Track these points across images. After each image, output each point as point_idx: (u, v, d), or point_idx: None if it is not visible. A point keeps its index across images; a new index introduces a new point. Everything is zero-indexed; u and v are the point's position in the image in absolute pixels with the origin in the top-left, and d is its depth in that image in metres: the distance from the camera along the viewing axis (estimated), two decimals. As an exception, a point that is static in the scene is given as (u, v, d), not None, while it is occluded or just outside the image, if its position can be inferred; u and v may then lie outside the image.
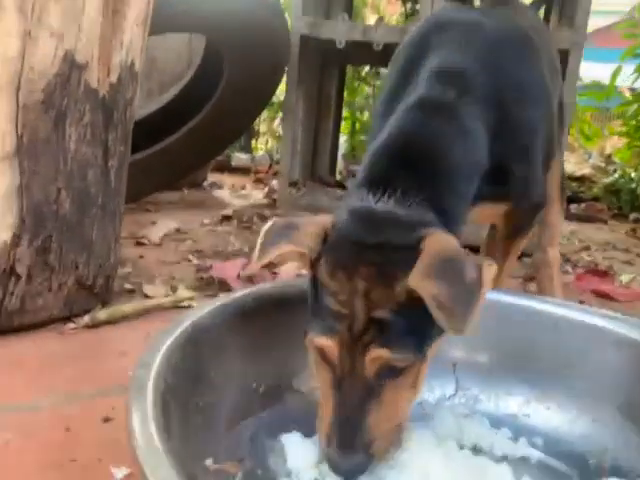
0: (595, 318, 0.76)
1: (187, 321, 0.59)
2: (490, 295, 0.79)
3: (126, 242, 1.66)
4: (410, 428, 0.67)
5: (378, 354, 0.53)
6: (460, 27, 0.83)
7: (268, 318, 0.71)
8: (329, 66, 2.46)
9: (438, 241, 0.55)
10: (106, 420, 0.72)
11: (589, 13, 1.68)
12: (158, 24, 1.55)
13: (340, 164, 3.28)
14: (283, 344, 0.72)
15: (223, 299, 0.67)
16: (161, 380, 0.47)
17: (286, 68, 2.03)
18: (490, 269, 0.53)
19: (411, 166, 0.65)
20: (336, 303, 0.54)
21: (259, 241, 0.58)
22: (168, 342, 0.54)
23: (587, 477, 0.66)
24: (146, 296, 1.20)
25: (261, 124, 4.96)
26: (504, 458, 0.69)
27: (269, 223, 0.60)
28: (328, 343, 0.54)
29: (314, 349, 0.56)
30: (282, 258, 0.57)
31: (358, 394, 0.54)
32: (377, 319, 0.53)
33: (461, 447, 0.69)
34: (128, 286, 1.25)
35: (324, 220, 0.59)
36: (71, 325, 1.01)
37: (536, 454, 0.70)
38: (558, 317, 0.77)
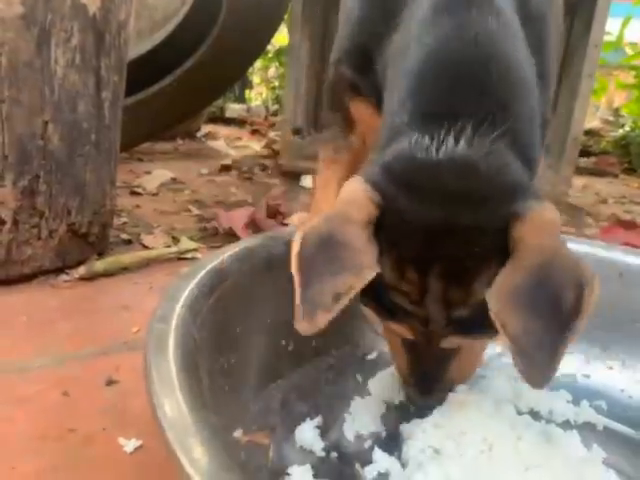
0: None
1: (207, 266, 0.48)
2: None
3: (120, 191, 1.54)
4: (466, 392, 0.59)
5: (455, 341, 0.48)
6: None
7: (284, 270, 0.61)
8: (336, 2, 2.29)
9: (536, 231, 0.41)
10: (109, 383, 0.63)
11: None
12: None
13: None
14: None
15: (248, 241, 0.56)
16: (187, 337, 0.36)
17: (290, 5, 1.87)
18: (594, 290, 0.39)
19: (480, 90, 0.46)
20: (409, 304, 0.44)
21: (295, 270, 0.41)
22: (187, 291, 0.43)
23: (661, 445, 0.58)
24: (145, 247, 1.09)
25: (255, 74, 4.75)
26: (566, 424, 0.61)
27: (296, 241, 0.42)
28: (403, 331, 0.48)
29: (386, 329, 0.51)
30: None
31: (435, 360, 0.50)
32: (456, 318, 0.45)
33: (519, 412, 0.60)
34: (125, 236, 1.14)
35: (361, 206, 0.42)
36: (64, 277, 0.90)
37: (602, 420, 0.61)
38: (624, 266, 0.68)
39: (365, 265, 0.40)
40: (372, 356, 0.67)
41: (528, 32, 0.57)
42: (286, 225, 1.26)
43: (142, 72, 2.08)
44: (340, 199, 0.44)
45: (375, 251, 0.42)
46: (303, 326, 0.39)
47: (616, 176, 2.80)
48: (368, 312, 0.49)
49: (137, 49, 2.14)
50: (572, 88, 1.71)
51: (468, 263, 0.42)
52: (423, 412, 0.53)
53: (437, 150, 0.42)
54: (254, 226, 1.19)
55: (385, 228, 0.42)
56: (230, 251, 0.53)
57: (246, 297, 0.52)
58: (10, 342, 0.70)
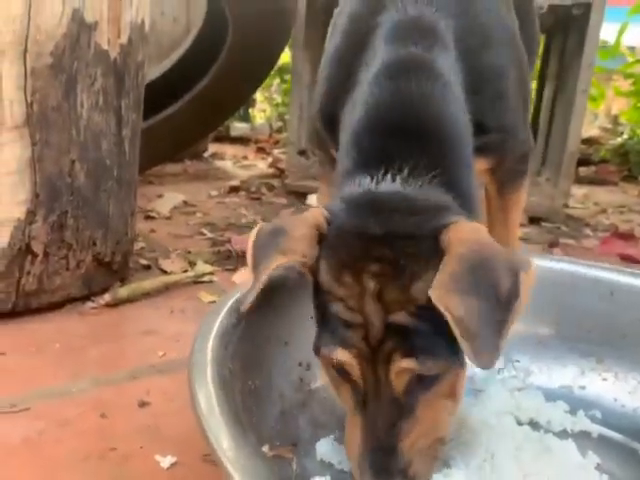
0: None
1: (233, 298, 0.54)
2: (544, 261, 0.76)
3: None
4: (469, 405, 0.64)
5: (403, 366, 0.44)
6: None
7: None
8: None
9: (464, 234, 0.45)
10: (142, 405, 0.68)
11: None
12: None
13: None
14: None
15: (264, 274, 0.62)
16: (223, 366, 0.42)
17: (292, 31, 1.94)
18: (530, 274, 0.44)
19: (411, 137, 0.54)
20: (346, 310, 0.45)
21: (249, 255, 0.50)
22: (217, 324, 0.49)
23: (654, 451, 0.63)
24: (163, 271, 1.15)
25: (258, 92, 4.84)
26: (564, 433, 0.66)
27: (253, 231, 0.51)
28: (345, 357, 0.45)
29: (328, 366, 0.48)
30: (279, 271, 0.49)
31: (388, 414, 0.45)
32: (395, 325, 0.44)
33: (519, 422, 0.65)
34: (144, 262, 1.20)
35: (314, 215, 0.49)
36: (90, 304, 0.96)
37: (596, 428, 0.66)
38: (615, 285, 0.73)
39: (296, 250, 0.46)
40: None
41: (484, 89, 0.67)
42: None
43: (151, 98, 2.15)
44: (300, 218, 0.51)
45: (313, 248, 0.47)
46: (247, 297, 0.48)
47: (616, 184, 2.85)
48: (325, 377, 0.52)
49: (147, 75, 2.22)
50: (567, 104, 1.77)
51: (402, 263, 0.45)
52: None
53: (377, 185, 0.50)
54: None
55: (327, 238, 0.48)
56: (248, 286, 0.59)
57: (266, 324, 0.58)
58: (48, 368, 0.76)
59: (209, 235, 1.43)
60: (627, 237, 1.56)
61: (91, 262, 0.95)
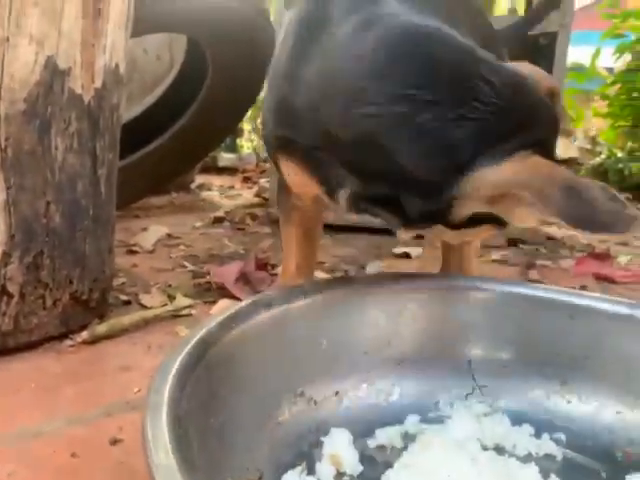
0: (611, 305, 0.75)
1: (196, 337, 0.56)
2: (503, 287, 0.78)
3: (118, 251, 1.61)
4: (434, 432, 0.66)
5: None
6: None
7: (278, 329, 0.68)
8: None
9: None
10: (114, 442, 0.69)
11: (576, -5, 1.67)
12: (140, 25, 1.51)
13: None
14: (296, 353, 0.70)
15: (232, 309, 0.64)
16: (177, 406, 0.44)
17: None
18: None
19: None
20: None
21: None
22: (177, 362, 0.51)
23: (615, 472, 0.65)
24: (143, 306, 1.17)
25: (245, 122, 4.91)
26: (529, 457, 0.67)
27: None
28: None
29: None
30: None
31: None
32: None
33: (484, 448, 0.67)
34: (124, 297, 1.21)
35: None
36: (68, 342, 0.97)
37: (560, 451, 0.68)
38: (573, 306, 0.76)
39: None
40: (351, 405, 0.74)
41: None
42: (275, 275, 1.34)
43: (135, 134, 2.19)
44: None
45: None
46: None
47: (596, 203, 2.89)
48: None
49: (129, 112, 2.26)
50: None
51: None
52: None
53: None
54: (245, 279, 1.26)
55: None
56: (216, 320, 0.61)
57: (231, 360, 0.60)
58: (22, 409, 0.77)
59: (190, 268, 1.45)
60: (602, 257, 1.59)
61: (68, 301, 0.97)
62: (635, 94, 3.40)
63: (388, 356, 0.76)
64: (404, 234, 0.70)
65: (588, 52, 4.43)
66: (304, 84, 0.66)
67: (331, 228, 1.97)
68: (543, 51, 1.85)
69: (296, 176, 0.76)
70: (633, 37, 3.61)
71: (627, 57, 3.68)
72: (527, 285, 0.80)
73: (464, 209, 0.59)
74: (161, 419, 0.42)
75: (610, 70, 4.30)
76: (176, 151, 2.12)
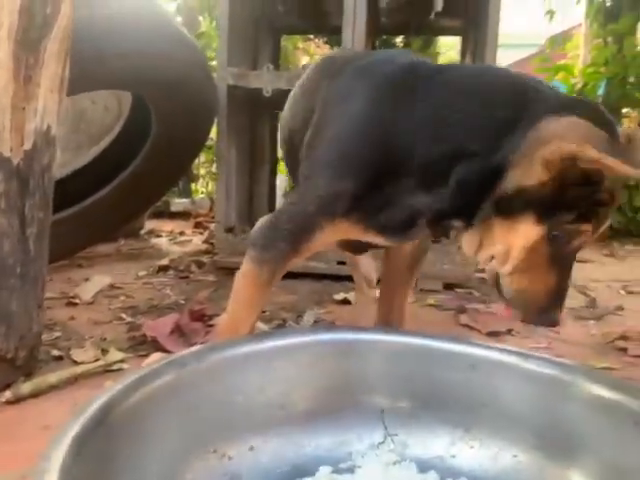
0: (508, 356, 0.80)
1: (97, 402, 0.58)
2: (408, 339, 0.83)
3: (56, 303, 1.61)
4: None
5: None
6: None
7: (190, 389, 0.71)
8: (261, 111, 2.51)
9: None
10: (25, 507, 0.69)
11: (495, 59, 1.80)
12: (81, 83, 1.56)
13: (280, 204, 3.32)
14: (209, 410, 0.72)
15: (139, 372, 0.66)
16: (67, 472, 0.46)
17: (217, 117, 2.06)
18: None
19: None
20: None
21: None
22: (76, 429, 0.53)
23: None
24: (75, 362, 1.16)
25: (200, 167, 4.95)
26: (434, 503, 0.71)
27: None
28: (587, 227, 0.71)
29: None
30: None
31: (570, 263, 0.76)
32: None
33: (390, 496, 0.70)
34: (56, 352, 1.21)
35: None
36: (-9, 402, 0.96)
37: (464, 495, 0.72)
38: (474, 357, 0.81)
39: None
40: (265, 458, 0.76)
41: None
42: (211, 326, 1.36)
43: (81, 183, 2.21)
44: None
45: None
46: None
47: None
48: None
49: (76, 162, 2.28)
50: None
51: None
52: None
53: None
54: (180, 332, 1.28)
55: None
56: (121, 384, 0.63)
57: (136, 422, 0.62)
58: None
59: (128, 320, 1.45)
60: (529, 300, 1.66)
61: (-8, 360, 0.96)
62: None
63: (303, 409, 0.79)
64: (468, 241, 0.80)
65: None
66: (413, 124, 0.78)
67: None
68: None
69: (339, 232, 0.86)
70: (564, 89, 3.86)
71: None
72: (432, 337, 0.85)
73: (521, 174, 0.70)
74: (48, 487, 0.44)
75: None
76: (123, 200, 2.14)
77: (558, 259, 0.73)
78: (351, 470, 0.75)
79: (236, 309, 0.89)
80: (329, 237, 0.86)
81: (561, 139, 0.64)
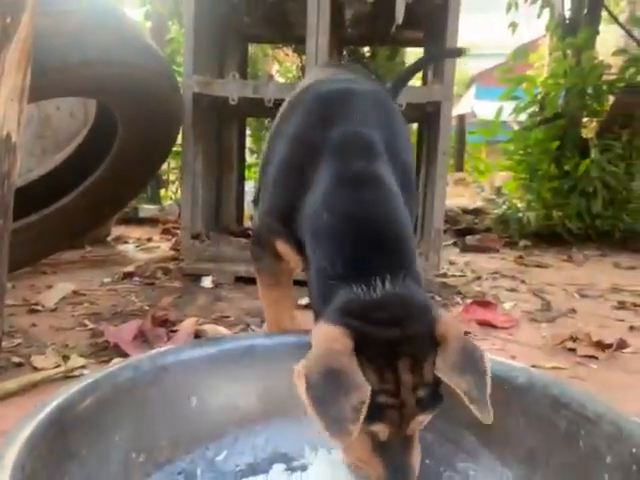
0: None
1: (52, 404, 0.60)
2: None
3: (18, 310, 1.60)
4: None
5: (420, 420, 0.63)
6: (346, 97, 0.86)
7: (146, 391, 0.73)
8: (228, 119, 2.53)
9: (450, 329, 0.63)
10: (-20, 510, 0.70)
11: (454, 72, 1.87)
12: (45, 91, 1.56)
13: (250, 210, 3.34)
14: (165, 411, 0.75)
15: (94, 375, 0.68)
16: (17, 469, 0.48)
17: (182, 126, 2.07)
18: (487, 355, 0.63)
19: (384, 246, 0.69)
20: (390, 397, 0.60)
21: (310, 404, 0.57)
22: (29, 428, 0.55)
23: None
24: (35, 368, 1.17)
25: (170, 173, 4.93)
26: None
27: (302, 378, 0.59)
28: (380, 428, 0.61)
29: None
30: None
31: (401, 444, 0.63)
32: (419, 398, 0.61)
33: (338, 491, 0.73)
34: (16, 359, 1.21)
35: (344, 341, 0.60)
36: (-52, 410, 0.96)
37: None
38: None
39: (363, 383, 0.57)
40: (220, 457, 0.79)
41: (403, 183, 0.82)
42: (174, 332, 1.37)
43: (47, 189, 2.19)
44: (320, 341, 0.62)
45: (356, 367, 0.59)
46: (338, 440, 0.56)
47: (497, 251, 3.12)
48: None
49: (41, 168, 2.27)
50: (431, 189, 1.98)
51: (419, 356, 0.61)
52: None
53: (375, 291, 0.64)
54: (143, 337, 1.29)
55: (361, 351, 0.60)
56: (77, 386, 0.65)
57: (91, 423, 0.64)
58: None
59: (91, 326, 1.46)
60: (487, 304, 1.73)
61: (-51, 367, 0.97)
62: (529, 150, 3.74)
63: (257, 410, 0.82)
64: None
65: (496, 107, 4.80)
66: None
67: (243, 281, 2.03)
68: (431, 117, 2.05)
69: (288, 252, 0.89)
70: (526, 99, 3.99)
71: (523, 116, 4.06)
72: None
73: None
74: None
75: (520, 123, 4.67)
76: (88, 206, 2.14)
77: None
78: (304, 468, 0.79)
79: (267, 311, 1.03)
80: (285, 248, 0.90)
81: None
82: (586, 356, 1.38)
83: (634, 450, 0.57)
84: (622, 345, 1.41)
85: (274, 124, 0.98)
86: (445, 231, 3.75)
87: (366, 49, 3.54)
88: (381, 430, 0.61)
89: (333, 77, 1.06)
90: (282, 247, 0.90)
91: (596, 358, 1.37)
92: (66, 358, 1.22)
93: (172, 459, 0.74)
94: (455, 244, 3.33)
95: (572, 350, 1.43)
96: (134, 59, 1.67)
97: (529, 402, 0.73)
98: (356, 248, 0.69)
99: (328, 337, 0.61)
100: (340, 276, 0.67)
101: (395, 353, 0.61)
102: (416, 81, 2.86)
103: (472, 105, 11.67)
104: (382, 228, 0.71)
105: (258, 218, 0.95)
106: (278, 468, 0.78)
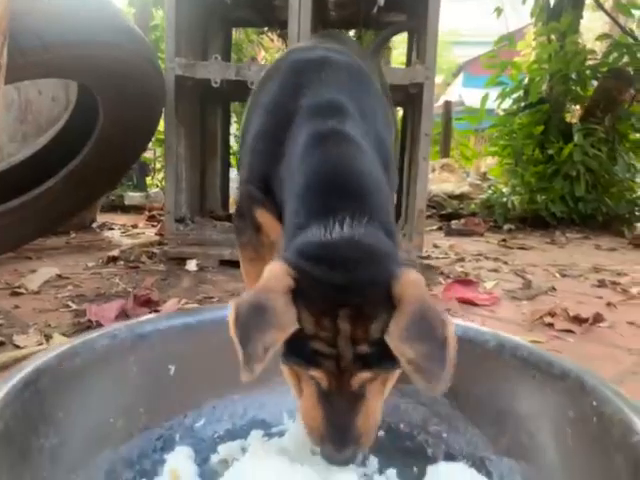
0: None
1: (29, 366, 0.61)
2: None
3: (1, 293, 1.60)
4: None
5: (362, 377, 0.59)
6: (320, 66, 0.88)
7: (124, 358, 0.74)
8: (212, 104, 2.52)
9: (410, 289, 0.57)
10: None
11: (435, 53, 1.88)
12: (24, 71, 1.55)
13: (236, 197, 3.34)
14: (143, 378, 0.76)
15: (73, 341, 0.69)
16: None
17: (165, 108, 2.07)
18: (452, 322, 0.57)
19: (348, 194, 0.67)
20: (325, 346, 0.57)
21: (234, 334, 0.55)
22: (5, 389, 0.55)
23: None
24: (17, 347, 1.17)
25: (156, 161, 4.91)
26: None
27: (232, 309, 0.56)
28: (318, 374, 0.59)
29: (293, 374, 0.62)
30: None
31: (347, 400, 0.59)
32: (360, 353, 0.57)
33: (314, 453, 0.75)
34: (-2, 339, 1.21)
35: (282, 279, 0.57)
36: None
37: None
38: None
39: (286, 323, 0.55)
40: (199, 424, 0.80)
41: (379, 152, 0.82)
42: (158, 311, 1.38)
43: (29, 173, 2.18)
44: (263, 277, 0.59)
45: (293, 312, 0.56)
46: (245, 375, 0.54)
47: (482, 235, 3.16)
48: (286, 373, 0.64)
49: (23, 152, 2.25)
50: (415, 170, 2.00)
51: (366, 309, 0.57)
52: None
53: (330, 234, 0.61)
54: (125, 317, 1.30)
55: (302, 292, 0.57)
56: (57, 350, 0.66)
57: (69, 387, 0.65)
58: None
59: (74, 307, 1.46)
60: (468, 283, 1.75)
61: None
62: (514, 135, 3.77)
63: (235, 378, 0.83)
64: None
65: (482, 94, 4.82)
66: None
67: (228, 264, 2.04)
68: (414, 99, 2.06)
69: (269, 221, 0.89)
70: (512, 85, 4.01)
71: (508, 102, 4.08)
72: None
73: None
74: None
75: (490, 112, 4.71)
76: (70, 191, 2.13)
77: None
78: (281, 433, 0.80)
79: (246, 281, 1.03)
80: (266, 216, 0.91)
81: None
82: (563, 330, 1.41)
83: (594, 403, 0.59)
84: (598, 319, 1.44)
85: (252, 93, 1.00)
86: (431, 216, 3.79)
87: (351, 33, 3.54)
88: (319, 377, 0.59)
89: (311, 45, 1.07)
90: (263, 216, 0.91)
91: (573, 332, 1.39)
92: (49, 337, 1.22)
93: (150, 426, 0.75)
94: (440, 229, 3.36)
95: (550, 325, 1.46)
96: (114, 40, 1.66)
97: (499, 365, 0.75)
98: (318, 197, 0.68)
99: (270, 274, 0.59)
100: (302, 225, 0.66)
101: (337, 299, 0.57)
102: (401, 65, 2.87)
103: (460, 93, 11.68)
104: (347, 177, 0.70)
105: (239, 187, 0.96)
106: (256, 434, 0.80)
